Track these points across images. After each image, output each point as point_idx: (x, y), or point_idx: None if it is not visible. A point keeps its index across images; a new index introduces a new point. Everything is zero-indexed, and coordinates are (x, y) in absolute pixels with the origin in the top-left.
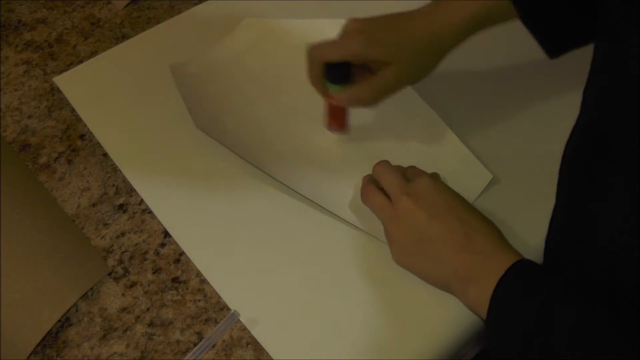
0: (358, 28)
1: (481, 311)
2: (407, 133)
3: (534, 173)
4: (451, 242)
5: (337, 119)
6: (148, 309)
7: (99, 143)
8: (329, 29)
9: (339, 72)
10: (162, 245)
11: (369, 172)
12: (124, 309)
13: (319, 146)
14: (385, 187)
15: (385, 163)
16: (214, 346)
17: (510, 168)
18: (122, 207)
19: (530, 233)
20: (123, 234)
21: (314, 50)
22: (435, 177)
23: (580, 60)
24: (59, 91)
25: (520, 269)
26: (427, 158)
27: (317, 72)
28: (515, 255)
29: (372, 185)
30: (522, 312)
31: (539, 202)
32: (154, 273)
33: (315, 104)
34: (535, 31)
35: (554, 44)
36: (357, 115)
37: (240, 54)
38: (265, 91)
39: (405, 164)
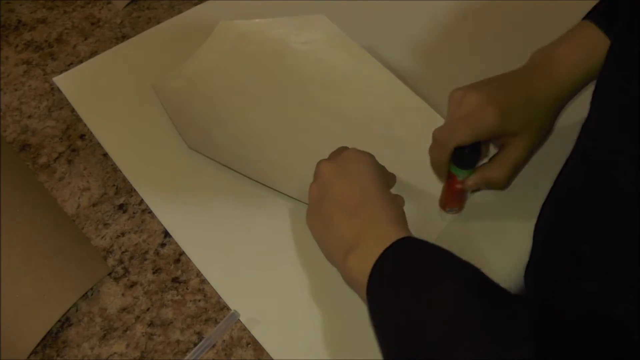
0: (486, 99)
1: (355, 282)
2: (402, 130)
3: (534, 170)
4: (345, 205)
5: (459, 200)
6: (148, 309)
7: (99, 143)
8: (305, 25)
9: (470, 159)
10: (162, 245)
11: None
12: (124, 309)
13: (310, 149)
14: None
15: None
16: (214, 346)
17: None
18: (122, 207)
19: (529, 230)
20: (123, 234)
21: (441, 134)
22: (363, 152)
23: None
24: (59, 91)
25: (410, 243)
26: (425, 157)
27: (444, 158)
28: (406, 232)
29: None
30: (399, 288)
31: (539, 199)
32: (154, 273)
33: (300, 106)
34: None
35: None
36: (352, 117)
37: (221, 60)
38: (251, 99)
39: (401, 162)
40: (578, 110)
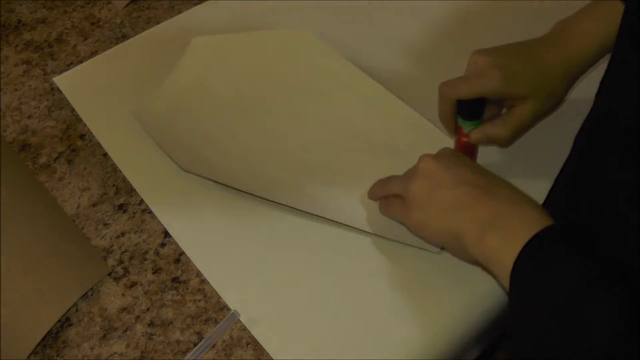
0: (493, 63)
1: (496, 261)
2: (389, 138)
3: (535, 168)
4: (474, 186)
5: (469, 156)
6: (148, 309)
7: (99, 143)
8: (287, 39)
9: (475, 109)
10: (162, 245)
11: (359, 175)
12: (124, 309)
13: (299, 159)
14: (401, 185)
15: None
16: (214, 346)
17: (517, 164)
18: (122, 207)
19: None
20: (123, 234)
21: (445, 88)
22: (453, 150)
23: None
24: (59, 91)
25: (561, 232)
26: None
27: (448, 109)
28: (551, 218)
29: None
30: (558, 280)
31: (537, 197)
32: (154, 273)
33: (285, 117)
34: None
35: None
36: (339, 127)
37: (198, 77)
38: (235, 114)
39: (391, 170)
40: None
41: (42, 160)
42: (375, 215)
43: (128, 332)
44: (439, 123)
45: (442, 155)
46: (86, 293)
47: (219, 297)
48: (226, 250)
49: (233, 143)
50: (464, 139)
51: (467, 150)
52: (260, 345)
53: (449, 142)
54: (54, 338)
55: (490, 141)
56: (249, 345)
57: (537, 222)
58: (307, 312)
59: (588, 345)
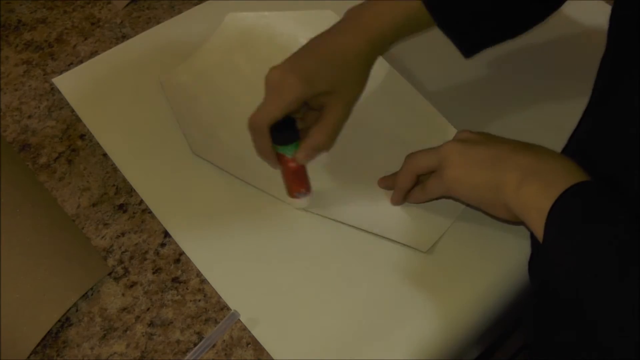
0: (284, 71)
1: (533, 207)
2: (409, 133)
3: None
4: (508, 143)
5: (302, 180)
6: (148, 309)
7: (99, 143)
8: (313, 20)
9: (289, 131)
10: (162, 245)
11: (361, 172)
12: (124, 309)
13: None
14: (431, 153)
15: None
16: (214, 346)
17: None
18: (122, 207)
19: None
20: (123, 234)
21: (254, 119)
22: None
23: (577, 56)
24: (59, 91)
25: (599, 187)
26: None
27: (266, 141)
28: (586, 173)
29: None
30: (595, 234)
31: None
32: (154, 273)
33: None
34: (452, 36)
35: (470, 46)
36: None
37: (228, 54)
38: (258, 96)
39: (402, 161)
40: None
41: (42, 160)
42: (369, 211)
43: (128, 332)
44: (453, 119)
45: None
46: (86, 293)
47: (219, 297)
48: (226, 250)
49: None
50: (292, 165)
51: (298, 174)
52: (261, 345)
53: None
54: (54, 338)
55: (317, 153)
56: (249, 345)
57: (576, 173)
58: (307, 312)
59: (620, 298)
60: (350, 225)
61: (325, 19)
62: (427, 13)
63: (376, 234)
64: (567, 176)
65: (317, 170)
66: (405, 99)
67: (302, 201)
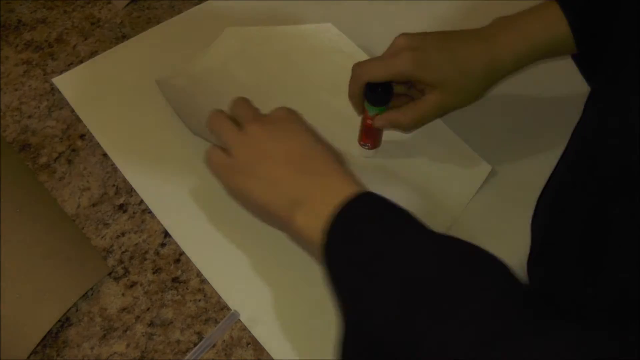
0: (409, 45)
1: (308, 239)
2: (407, 140)
3: (533, 164)
4: (289, 163)
5: (371, 138)
6: (148, 309)
7: (99, 143)
8: (312, 34)
9: (381, 95)
10: (162, 245)
11: (367, 174)
12: (124, 309)
13: None
14: (238, 115)
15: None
16: (214, 346)
17: (509, 160)
18: (122, 207)
19: (529, 224)
20: (123, 234)
21: (357, 69)
22: (292, 110)
23: None
24: (59, 91)
25: (371, 198)
26: (425, 153)
27: (358, 90)
28: (362, 186)
29: (224, 115)
30: (367, 241)
31: (538, 192)
32: (154, 273)
33: (304, 112)
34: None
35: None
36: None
37: (225, 64)
38: (256, 104)
39: (402, 160)
40: (572, 108)
41: (42, 160)
42: None
43: (128, 332)
44: (456, 129)
45: (268, 123)
46: (86, 293)
47: (219, 297)
48: (226, 250)
49: None
50: (369, 122)
51: (371, 132)
52: (260, 345)
53: (465, 147)
54: (54, 338)
55: (393, 127)
56: (249, 345)
57: (345, 192)
58: (307, 312)
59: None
60: None
61: (324, 32)
62: (570, 43)
63: None
64: (331, 200)
65: None
66: None
67: (366, 152)
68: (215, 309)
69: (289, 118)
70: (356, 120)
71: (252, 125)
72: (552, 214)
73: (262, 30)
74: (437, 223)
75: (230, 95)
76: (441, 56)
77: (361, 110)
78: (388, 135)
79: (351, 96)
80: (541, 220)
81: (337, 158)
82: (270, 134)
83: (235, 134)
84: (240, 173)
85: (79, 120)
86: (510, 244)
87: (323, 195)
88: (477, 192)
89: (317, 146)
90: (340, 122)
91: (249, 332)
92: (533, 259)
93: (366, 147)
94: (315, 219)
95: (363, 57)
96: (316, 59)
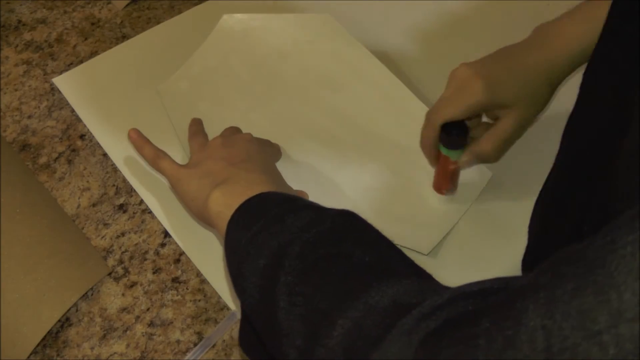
0: (475, 74)
1: (218, 215)
2: (403, 134)
3: (533, 170)
4: (224, 160)
5: (454, 181)
6: (148, 309)
7: (99, 143)
8: (310, 24)
9: (458, 137)
10: (162, 245)
11: (361, 176)
12: (124, 309)
13: (312, 151)
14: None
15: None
16: (214, 346)
17: (510, 166)
18: (122, 207)
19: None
20: (123, 234)
21: (431, 114)
22: (256, 139)
23: None
24: (59, 91)
25: (261, 197)
26: (426, 159)
27: (432, 135)
28: (283, 189)
29: (200, 127)
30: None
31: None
32: (154, 273)
33: (303, 107)
34: None
35: None
36: (354, 119)
37: (225, 58)
38: (254, 99)
39: (403, 166)
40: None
41: (42, 160)
42: (370, 214)
43: (128, 332)
44: None
45: (227, 137)
46: (86, 293)
47: (219, 297)
48: None
49: (246, 128)
50: (452, 167)
51: (454, 175)
52: None
53: None
54: (54, 338)
55: (481, 161)
56: None
57: (263, 183)
58: None
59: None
60: None
61: (322, 23)
62: None
63: None
64: (253, 186)
65: (317, 172)
66: (402, 102)
67: (447, 197)
68: (215, 309)
69: (250, 138)
70: (356, 119)
71: (217, 139)
72: (545, 214)
73: (259, 17)
74: (437, 226)
75: (231, 96)
76: (508, 75)
77: (435, 160)
78: (389, 141)
79: (425, 146)
80: (536, 221)
81: (276, 171)
82: (225, 144)
83: (199, 145)
84: (186, 173)
85: (79, 120)
86: (513, 247)
87: (246, 182)
88: (476, 198)
89: (260, 156)
90: (339, 121)
91: None
92: (526, 259)
93: (451, 192)
94: (231, 197)
95: (360, 48)
96: (314, 51)
